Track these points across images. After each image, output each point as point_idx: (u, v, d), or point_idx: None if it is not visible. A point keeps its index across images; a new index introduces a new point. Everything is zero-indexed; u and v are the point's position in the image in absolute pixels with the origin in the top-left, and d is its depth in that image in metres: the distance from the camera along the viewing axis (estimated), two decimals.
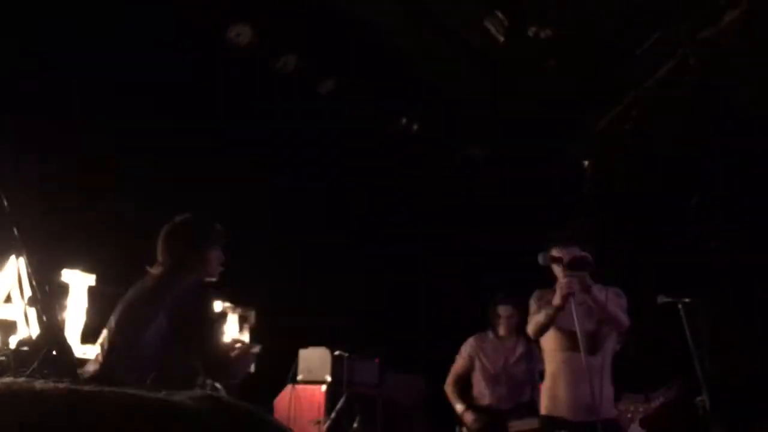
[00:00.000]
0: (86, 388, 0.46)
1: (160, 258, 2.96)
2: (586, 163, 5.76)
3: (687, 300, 4.05)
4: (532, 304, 3.77)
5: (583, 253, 3.47)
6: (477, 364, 4.98)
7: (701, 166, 5.69)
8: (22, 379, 0.47)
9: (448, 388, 5.03)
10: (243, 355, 3.04)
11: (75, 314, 4.14)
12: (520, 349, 4.90)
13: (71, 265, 4.17)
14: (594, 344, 3.60)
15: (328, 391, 5.00)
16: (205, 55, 4.70)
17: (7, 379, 0.46)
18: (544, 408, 3.76)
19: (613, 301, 3.67)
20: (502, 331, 4.98)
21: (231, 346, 3.07)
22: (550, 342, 3.72)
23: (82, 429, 0.44)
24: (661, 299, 4.11)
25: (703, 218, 5.73)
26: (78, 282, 4.24)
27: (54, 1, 4.19)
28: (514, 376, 4.87)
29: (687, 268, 5.32)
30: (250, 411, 0.53)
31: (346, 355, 5.06)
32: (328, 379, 5.04)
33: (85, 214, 4.30)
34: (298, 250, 5.40)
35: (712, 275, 5.30)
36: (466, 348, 5.10)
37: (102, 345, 2.89)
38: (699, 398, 4.03)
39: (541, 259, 3.47)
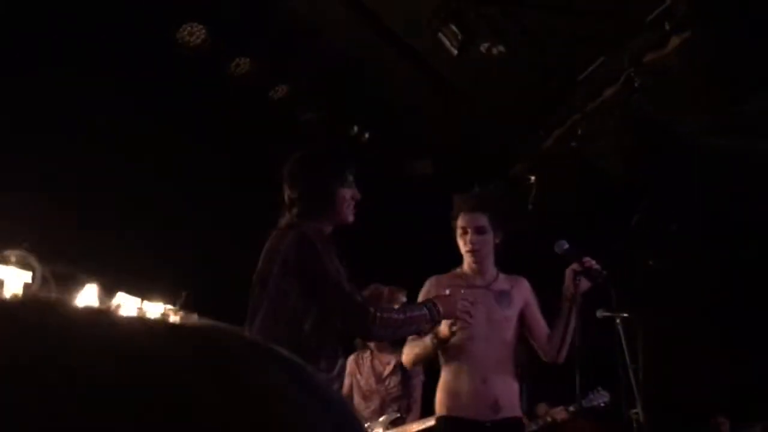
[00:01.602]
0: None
1: (286, 195, 2.61)
2: (532, 178, 5.86)
3: (625, 315, 4.16)
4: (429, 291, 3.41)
5: (599, 269, 3.22)
6: (354, 381, 4.83)
7: (643, 186, 5.84)
8: None
9: None
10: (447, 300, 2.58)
11: None
12: (393, 362, 4.75)
13: (7, 261, 4.05)
14: (501, 335, 3.35)
15: None
16: (156, 54, 4.64)
17: None
18: (443, 407, 3.34)
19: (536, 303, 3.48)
20: (372, 345, 4.87)
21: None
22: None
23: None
24: (600, 313, 4.20)
25: (643, 237, 5.88)
26: (13, 279, 4.12)
27: None
28: (385, 391, 4.72)
29: (626, 285, 5.44)
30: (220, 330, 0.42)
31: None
32: None
33: (22, 210, 4.19)
34: (246, 257, 5.34)
35: (650, 292, 5.44)
36: (347, 367, 4.99)
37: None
38: (633, 411, 4.11)
39: (558, 248, 3.23)
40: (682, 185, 5.68)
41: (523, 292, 3.48)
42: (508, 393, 3.29)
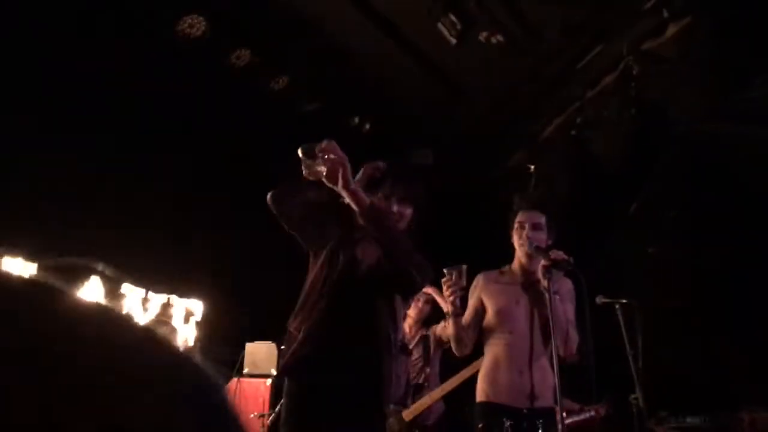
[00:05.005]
0: None
1: None
2: (532, 167, 5.88)
3: (624, 301, 4.22)
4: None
5: (566, 258, 3.23)
6: None
7: (642, 174, 5.86)
8: None
9: None
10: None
11: None
12: (418, 335, 5.05)
13: (13, 253, 4.09)
14: (539, 332, 3.41)
15: (272, 385, 5.01)
16: (156, 46, 4.65)
17: None
18: (483, 394, 3.46)
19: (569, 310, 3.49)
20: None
21: None
22: (494, 323, 3.47)
23: None
24: (600, 299, 4.26)
25: (642, 225, 5.92)
26: (19, 271, 4.16)
27: None
28: (410, 362, 4.96)
29: (625, 271, 5.49)
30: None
31: None
32: (274, 373, 5.04)
33: (26, 201, 4.22)
34: (247, 244, 5.38)
35: (649, 279, 5.48)
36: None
37: None
38: (632, 396, 4.18)
39: (528, 248, 3.37)
40: (680, 172, 5.71)
41: (562, 291, 3.49)
42: (544, 384, 3.38)
